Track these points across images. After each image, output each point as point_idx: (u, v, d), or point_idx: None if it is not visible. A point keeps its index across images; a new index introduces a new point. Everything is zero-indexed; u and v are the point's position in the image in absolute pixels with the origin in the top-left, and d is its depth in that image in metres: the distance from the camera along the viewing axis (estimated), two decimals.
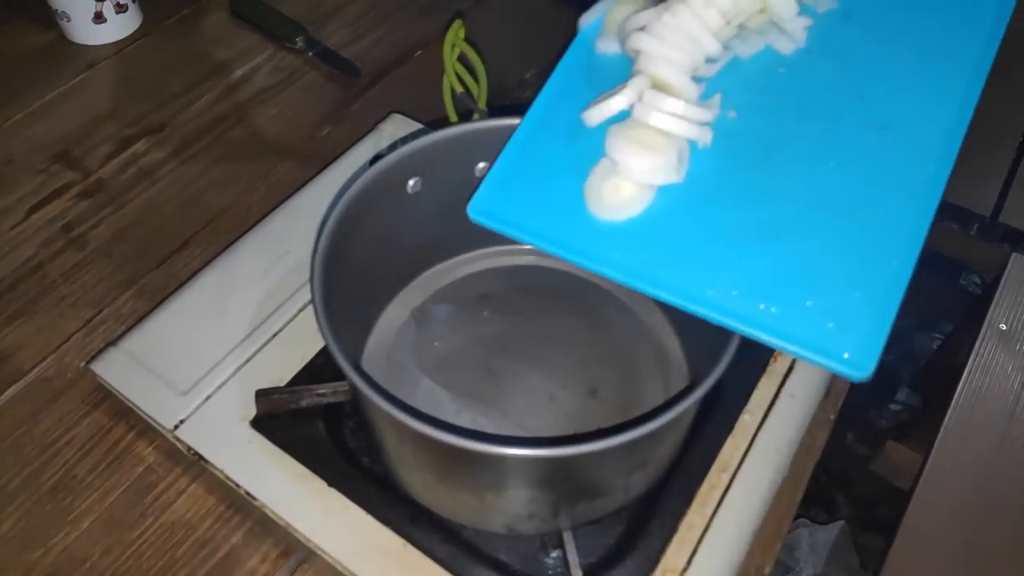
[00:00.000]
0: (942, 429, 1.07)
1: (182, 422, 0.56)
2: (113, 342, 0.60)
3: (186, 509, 0.57)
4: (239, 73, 0.88)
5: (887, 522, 1.31)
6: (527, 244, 0.47)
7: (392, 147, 0.53)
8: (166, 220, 0.75)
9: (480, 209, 0.49)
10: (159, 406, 0.56)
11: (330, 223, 0.48)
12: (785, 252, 0.43)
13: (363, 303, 0.58)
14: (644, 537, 0.51)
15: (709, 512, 0.52)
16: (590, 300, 0.62)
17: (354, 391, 0.43)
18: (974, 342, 1.12)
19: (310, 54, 0.88)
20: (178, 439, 0.55)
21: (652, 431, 0.41)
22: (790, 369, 0.59)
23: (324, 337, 0.43)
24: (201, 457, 0.55)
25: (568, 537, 0.49)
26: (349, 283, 0.51)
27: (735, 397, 0.57)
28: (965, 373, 1.10)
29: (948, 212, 1.31)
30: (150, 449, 0.60)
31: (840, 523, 1.13)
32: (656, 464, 0.51)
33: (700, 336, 0.54)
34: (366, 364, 0.59)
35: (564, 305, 0.62)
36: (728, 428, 0.55)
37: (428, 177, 0.52)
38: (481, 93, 0.56)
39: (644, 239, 0.45)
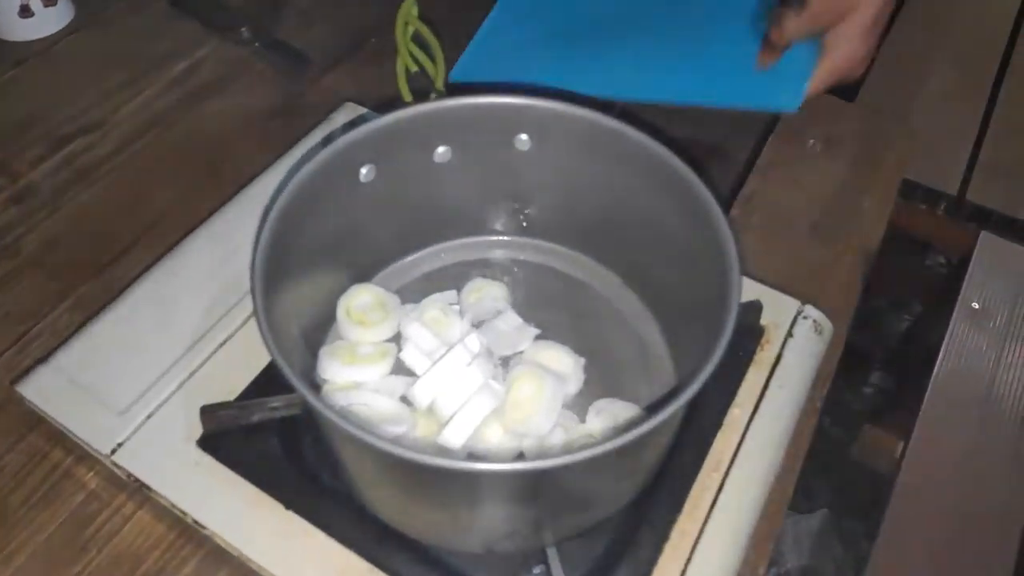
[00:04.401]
0: (921, 412, 1.04)
1: (120, 445, 0.50)
2: (42, 359, 0.54)
3: (132, 539, 0.51)
4: (181, 67, 0.82)
5: (867, 507, 1.28)
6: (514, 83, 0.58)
7: (343, 130, 0.48)
8: (105, 225, 0.68)
9: (463, 72, 0.62)
10: (94, 429, 0.50)
11: (272, 216, 0.42)
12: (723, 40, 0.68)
13: (316, 305, 0.52)
14: (634, 547, 0.46)
15: (702, 516, 0.47)
16: (567, 294, 0.57)
17: (306, 406, 0.37)
18: (947, 322, 1.10)
19: (257, 45, 0.82)
20: (116, 464, 0.49)
21: (643, 435, 0.36)
22: (778, 358, 0.54)
23: (265, 343, 0.37)
24: (142, 484, 0.49)
25: (552, 553, 0.44)
26: (298, 283, 0.46)
27: (722, 391, 0.52)
28: (940, 354, 1.07)
29: (915, 192, 1.29)
30: (91, 474, 0.53)
31: (823, 511, 1.10)
32: (647, 468, 0.46)
33: (685, 329, 0.49)
34: None
35: (540, 300, 0.57)
36: (717, 424, 0.51)
37: (383, 164, 0.47)
38: (438, 73, 0.51)
39: (608, 57, 0.67)
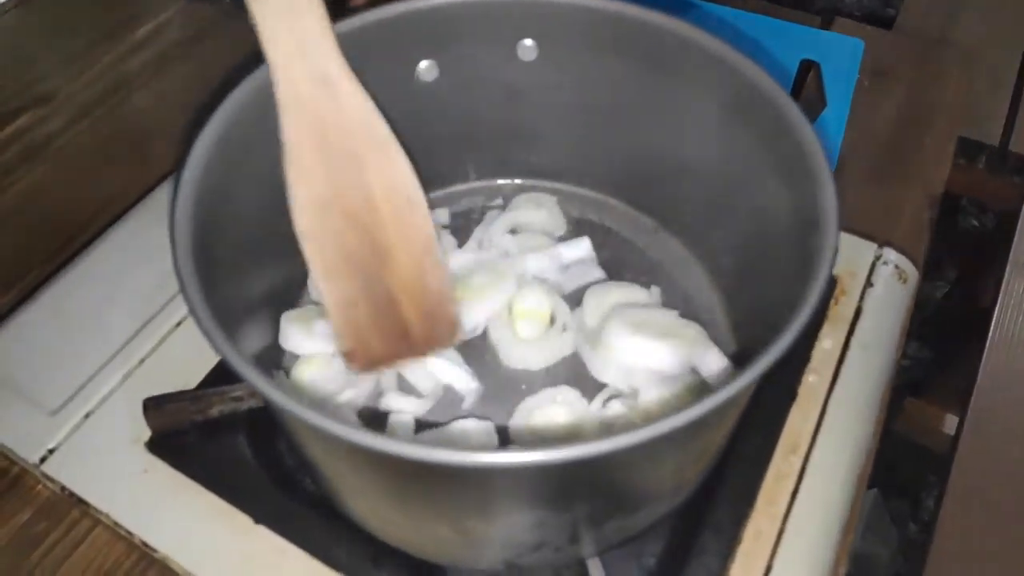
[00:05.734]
0: (978, 379, 0.93)
1: (51, 452, 0.39)
2: None
3: (86, 563, 0.41)
4: (144, 31, 0.72)
5: (913, 485, 1.17)
6: None
7: None
8: (56, 205, 0.59)
9: None
10: (19, 432, 0.40)
11: (196, 152, 0.31)
12: None
13: (275, 271, 0.41)
14: (697, 555, 0.35)
15: (780, 511, 0.37)
16: (592, 244, 0.46)
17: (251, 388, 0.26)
18: (991, 284, 0.99)
19: (227, 1, 0.72)
20: (47, 476, 0.39)
21: (713, 410, 0.25)
22: (858, 312, 0.43)
23: (188, 301, 0.26)
24: (79, 499, 0.38)
25: (594, 565, 0.33)
26: (248, 242, 0.35)
27: (792, 354, 0.41)
28: (995, 316, 0.95)
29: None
30: (39, 487, 0.43)
31: (872, 491, 0.99)
32: (711, 453, 0.35)
33: (743, 277, 0.39)
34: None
35: None
36: (790, 395, 0.40)
37: None
38: None
39: None
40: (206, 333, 0.25)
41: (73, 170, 0.61)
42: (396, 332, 0.37)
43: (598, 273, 0.43)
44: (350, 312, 0.36)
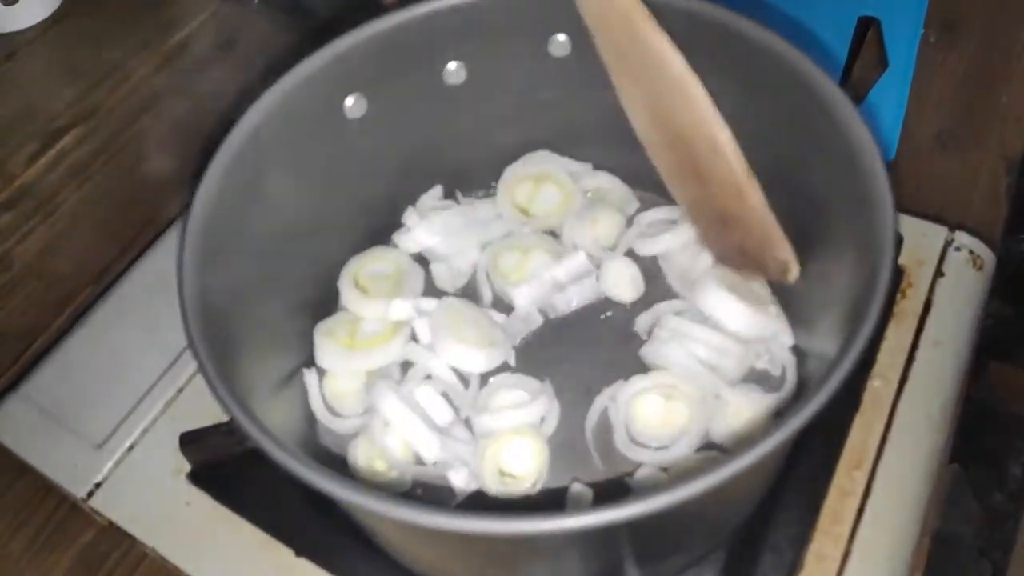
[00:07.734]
0: None
1: (98, 486, 0.39)
2: (12, 386, 0.44)
3: None
4: (179, 36, 0.71)
5: (997, 453, 1.10)
6: None
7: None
8: (106, 220, 0.59)
9: None
10: (68, 467, 0.40)
11: (209, 179, 0.30)
12: None
13: (292, 305, 0.39)
14: None
15: (845, 532, 0.34)
16: None
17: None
18: None
19: (256, 1, 0.71)
20: (94, 511, 0.39)
21: (767, 453, 0.23)
22: (927, 306, 0.39)
23: (198, 361, 0.25)
24: (125, 533, 0.38)
25: None
26: (260, 275, 0.33)
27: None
28: None
29: None
30: None
31: (953, 467, 0.93)
32: (768, 478, 0.32)
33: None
34: None
35: None
36: (853, 403, 0.36)
37: (376, 91, 0.34)
38: None
39: None
40: (209, 382, 0.24)
41: (119, 185, 0.61)
42: (734, 247, 0.36)
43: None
44: (698, 211, 0.37)
